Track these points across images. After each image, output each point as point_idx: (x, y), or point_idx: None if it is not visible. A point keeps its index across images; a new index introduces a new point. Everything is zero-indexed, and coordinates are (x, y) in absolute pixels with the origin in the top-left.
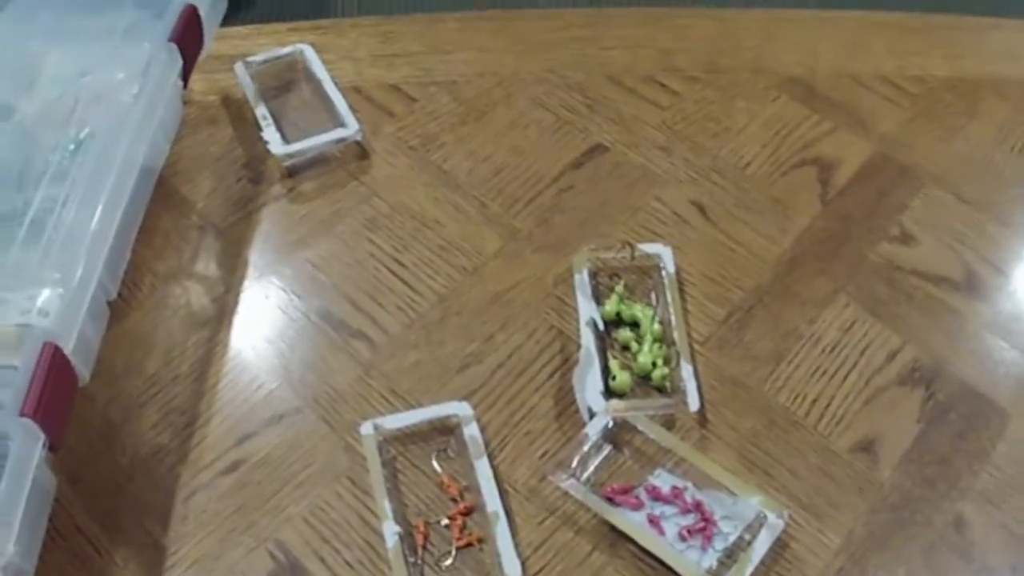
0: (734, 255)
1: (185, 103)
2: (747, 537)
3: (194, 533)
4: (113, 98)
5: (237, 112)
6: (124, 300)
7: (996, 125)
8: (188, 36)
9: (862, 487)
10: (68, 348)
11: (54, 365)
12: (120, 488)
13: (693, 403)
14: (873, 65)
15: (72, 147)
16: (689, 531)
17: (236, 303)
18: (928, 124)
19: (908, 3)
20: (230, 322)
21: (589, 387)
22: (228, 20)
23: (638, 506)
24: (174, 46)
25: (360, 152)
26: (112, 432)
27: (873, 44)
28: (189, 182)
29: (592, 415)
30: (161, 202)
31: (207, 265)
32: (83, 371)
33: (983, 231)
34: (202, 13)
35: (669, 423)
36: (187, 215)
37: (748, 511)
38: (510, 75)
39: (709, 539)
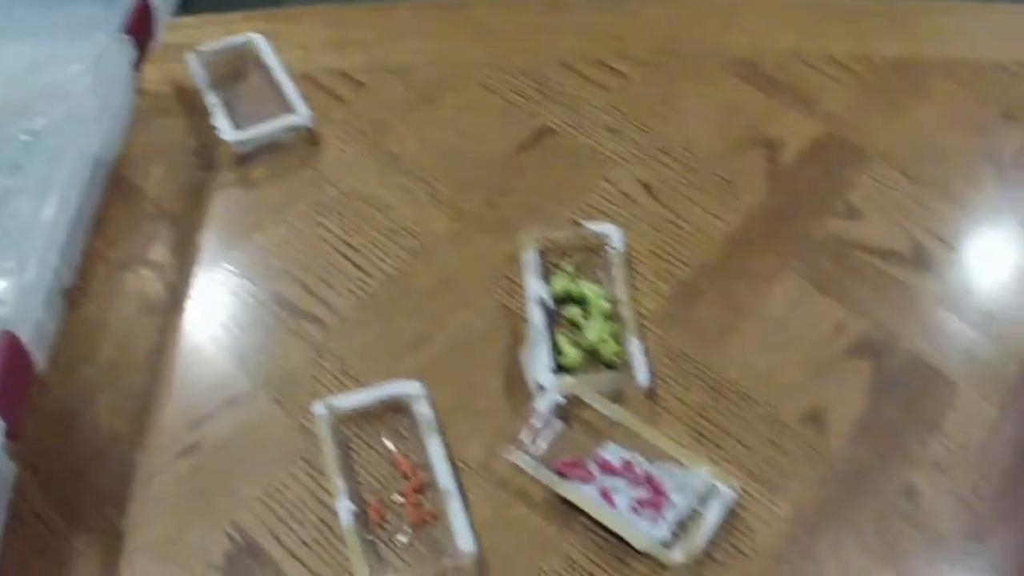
0: (682, 233)
1: (137, 93)
2: (698, 508)
3: (152, 517)
4: (67, 90)
5: (189, 101)
6: (78, 289)
7: (945, 105)
8: (141, 27)
9: (812, 458)
10: (25, 337)
11: (11, 354)
12: (78, 475)
13: (642, 377)
14: (821, 46)
15: (26, 139)
16: (640, 503)
17: (189, 289)
18: (876, 104)
19: None
20: (183, 308)
21: (538, 364)
22: (180, 10)
23: (589, 479)
24: (128, 37)
25: (311, 138)
26: (69, 420)
27: (823, 26)
28: (141, 171)
29: (541, 391)
30: (114, 191)
31: (160, 252)
32: (40, 359)
33: (931, 207)
34: (154, 4)
35: (619, 398)
36: (140, 203)
37: (699, 483)
38: (460, 61)
39: (660, 511)
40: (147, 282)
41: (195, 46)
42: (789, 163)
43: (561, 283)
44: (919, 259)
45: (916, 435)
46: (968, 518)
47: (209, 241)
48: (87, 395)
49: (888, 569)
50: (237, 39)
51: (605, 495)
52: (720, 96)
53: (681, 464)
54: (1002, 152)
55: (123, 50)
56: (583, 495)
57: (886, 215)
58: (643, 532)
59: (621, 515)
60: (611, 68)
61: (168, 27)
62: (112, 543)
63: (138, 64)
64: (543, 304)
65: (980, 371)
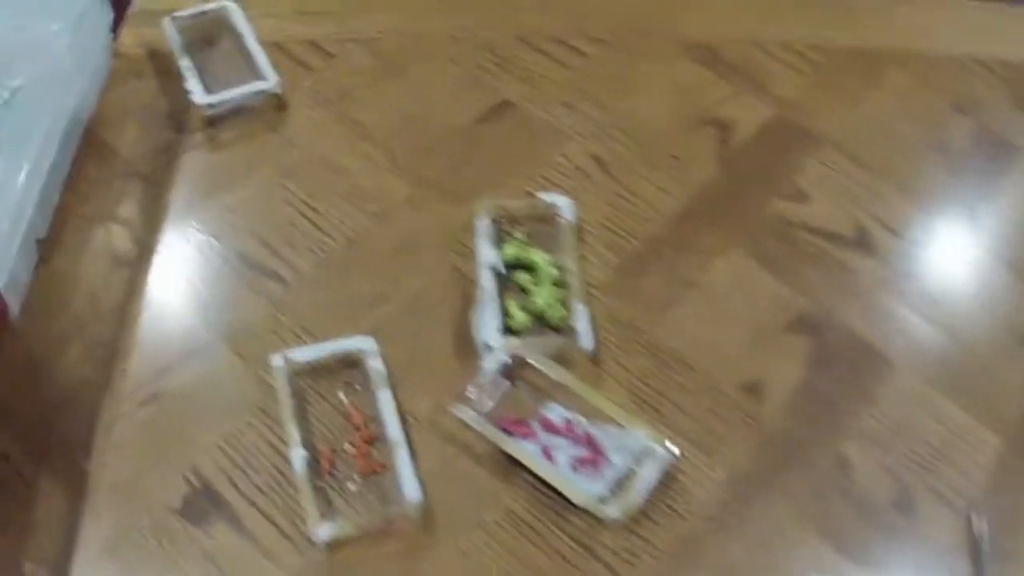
0: (632, 207)
1: (113, 56)
2: (636, 469)
3: (115, 460)
4: (46, 49)
5: (162, 65)
6: (50, 242)
7: (896, 95)
8: None
9: (748, 426)
10: (1, 283)
11: None
12: (45, 419)
13: (587, 342)
14: (778, 34)
15: (5, 95)
16: (580, 461)
17: (157, 245)
18: (828, 91)
19: None
20: (151, 263)
21: (487, 325)
22: None
23: (532, 437)
24: (107, 0)
25: (278, 104)
26: (38, 367)
27: (779, 14)
28: (114, 131)
29: (489, 351)
30: (88, 149)
31: (130, 209)
32: (13, 305)
33: (878, 193)
34: None
35: (563, 361)
36: (112, 162)
37: (636, 444)
38: (425, 33)
39: (599, 469)
40: (116, 237)
41: (170, 12)
42: (740, 144)
43: (513, 250)
44: (863, 243)
45: (851, 409)
46: (899, 490)
47: (177, 200)
48: (57, 344)
49: (820, 536)
50: (211, 6)
51: (547, 452)
52: (675, 77)
53: (620, 426)
54: (951, 143)
55: (102, 12)
56: (526, 451)
57: (832, 199)
58: (582, 489)
59: (561, 472)
60: (570, 46)
61: None
62: (76, 484)
63: (116, 26)
64: (494, 269)
65: (917, 351)
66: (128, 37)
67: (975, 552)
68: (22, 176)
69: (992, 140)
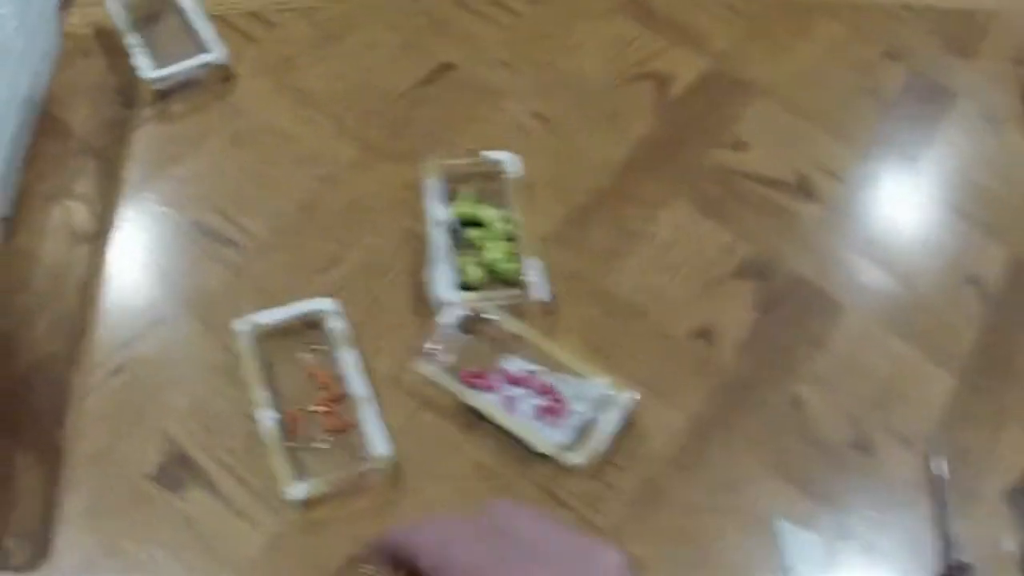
0: (575, 161)
1: (61, 35)
2: (596, 416)
3: (88, 431)
4: None
5: (109, 42)
6: (10, 221)
7: (827, 44)
8: None
9: (703, 371)
10: None
11: None
12: (16, 394)
13: (540, 293)
14: None
15: None
16: (542, 411)
17: (115, 219)
18: (761, 42)
19: None
20: (110, 237)
21: (442, 281)
22: None
23: (494, 388)
24: None
25: (225, 75)
26: (6, 343)
27: None
28: (67, 108)
29: (446, 307)
30: (42, 128)
31: (87, 185)
32: None
33: (814, 139)
34: None
35: (519, 314)
36: (66, 140)
37: (596, 392)
38: (362, 1)
39: (561, 418)
40: (75, 213)
41: None
42: (677, 97)
43: (462, 207)
44: (804, 188)
45: (802, 350)
46: (850, 427)
47: (132, 174)
48: (23, 320)
49: (780, 476)
50: None
51: (508, 403)
52: (610, 33)
53: (579, 375)
54: (884, 89)
55: None
56: (488, 403)
57: (771, 147)
58: (545, 437)
59: (524, 422)
60: (505, 6)
61: None
62: (52, 456)
63: (63, 5)
64: (446, 226)
65: (863, 292)
66: (74, 16)
67: (935, 489)
68: None
69: (925, 85)
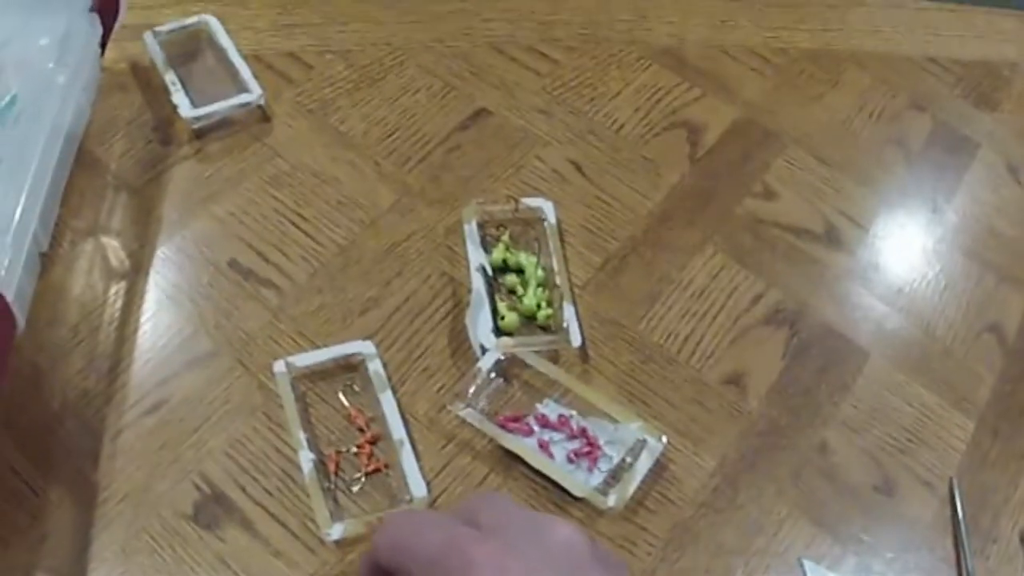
0: (609, 209)
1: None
2: (629, 459)
3: (123, 469)
4: (36, 64)
5: (145, 78)
6: (46, 256)
7: (856, 94)
8: (107, 5)
9: (733, 416)
10: (9, 297)
11: None
12: (51, 430)
13: (575, 339)
14: (740, 38)
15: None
16: (576, 454)
17: (151, 257)
18: (791, 92)
19: None
20: (146, 274)
21: (481, 326)
22: None
23: (529, 432)
24: (95, 15)
25: (262, 116)
26: (41, 378)
27: (740, 19)
28: (103, 144)
29: (484, 351)
30: (77, 163)
31: (122, 222)
32: (20, 319)
33: (841, 189)
34: None
35: (554, 359)
36: (102, 175)
37: (629, 436)
38: (401, 44)
39: (595, 461)
40: (110, 250)
41: (149, 26)
42: (709, 145)
43: (499, 253)
44: (831, 237)
45: (828, 397)
46: (876, 471)
47: (168, 211)
48: (57, 355)
49: (807, 518)
50: (191, 20)
51: (543, 447)
52: (643, 82)
53: (613, 419)
54: (910, 140)
55: (92, 27)
56: (524, 446)
57: (800, 196)
58: (579, 480)
59: (559, 465)
60: (541, 53)
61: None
62: (86, 494)
63: (104, 40)
64: (484, 272)
65: (887, 339)
66: (110, 52)
67: (955, 530)
68: (25, 191)
69: (949, 135)
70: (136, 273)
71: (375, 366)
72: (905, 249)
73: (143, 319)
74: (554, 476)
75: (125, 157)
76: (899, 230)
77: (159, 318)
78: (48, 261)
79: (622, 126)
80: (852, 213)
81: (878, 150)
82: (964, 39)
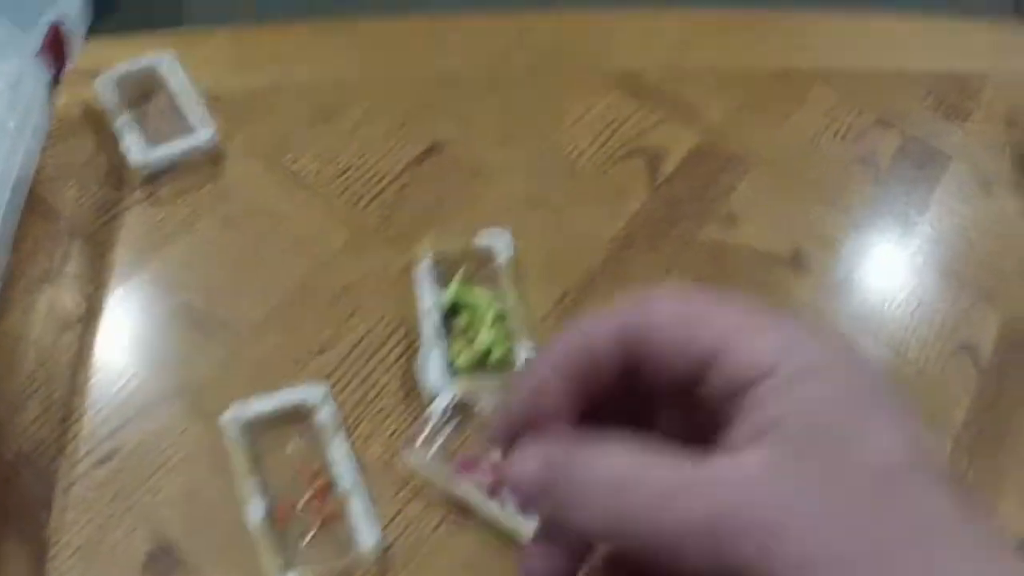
0: (568, 240)
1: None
2: None
3: (75, 521)
4: None
5: (98, 123)
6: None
7: (821, 112)
8: (54, 51)
9: None
10: None
11: None
12: (7, 481)
13: None
14: (702, 60)
15: None
16: None
17: (104, 302)
18: (754, 114)
19: (733, 1)
20: (99, 321)
21: (432, 367)
22: (91, 30)
23: (483, 475)
24: (42, 60)
25: (215, 157)
26: None
27: (701, 40)
28: (55, 190)
29: (436, 393)
30: (28, 209)
31: (76, 268)
32: None
33: (808, 211)
34: (67, 28)
35: None
36: (55, 221)
37: None
38: (355, 80)
39: None
40: (64, 297)
41: (103, 68)
42: (669, 172)
43: (453, 291)
44: (798, 261)
45: None
46: None
47: (121, 256)
48: (14, 404)
49: None
50: (144, 60)
51: (498, 491)
52: (602, 108)
53: None
54: (879, 156)
55: (40, 71)
56: (478, 492)
57: (765, 220)
58: (533, 523)
59: (513, 510)
60: (497, 84)
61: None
62: (38, 548)
63: (54, 84)
64: (437, 312)
65: None
66: (64, 97)
67: None
68: None
69: (920, 149)
70: (90, 319)
71: (327, 412)
72: (875, 269)
73: (97, 366)
74: (506, 523)
75: (78, 203)
76: (870, 249)
77: (112, 365)
78: (3, 308)
79: (581, 154)
80: (820, 235)
81: (846, 169)
82: (932, 50)
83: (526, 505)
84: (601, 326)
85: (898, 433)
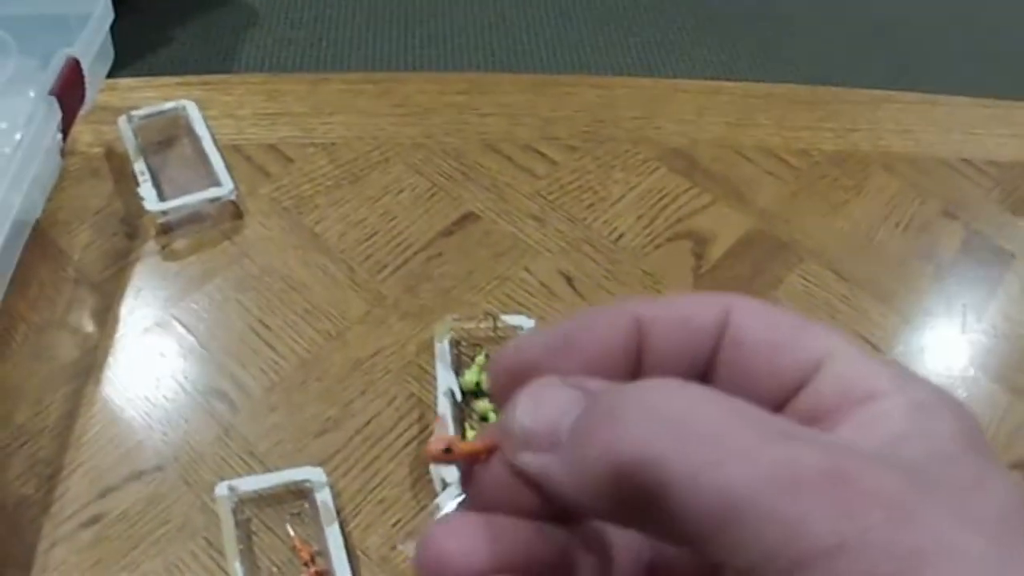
0: None
1: (68, 154)
2: None
3: None
4: None
5: (119, 165)
6: None
7: (882, 201)
8: (69, 89)
9: None
10: None
11: None
12: None
13: None
14: (757, 138)
15: None
16: None
17: (105, 358)
18: (810, 199)
19: (802, 76)
20: (99, 377)
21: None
22: (117, 71)
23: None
24: (54, 99)
25: (235, 211)
26: None
27: (758, 116)
28: (67, 234)
29: (445, 486)
30: (38, 252)
31: (80, 318)
32: None
33: (860, 307)
34: (85, 66)
35: None
36: (63, 267)
37: None
38: (388, 139)
39: None
40: (64, 347)
41: (128, 109)
42: (715, 258)
43: (473, 375)
44: None
45: None
46: None
47: (128, 310)
48: (0, 457)
49: None
50: (169, 105)
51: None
52: (649, 186)
53: None
54: (940, 251)
55: (49, 112)
56: None
57: (814, 315)
58: None
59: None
60: (539, 152)
61: (107, 88)
62: None
63: (66, 127)
64: (452, 396)
65: None
66: (86, 135)
67: None
68: None
69: (982, 245)
70: (88, 374)
71: (324, 496)
72: (927, 374)
73: (89, 425)
74: None
75: (89, 249)
76: (922, 353)
77: (106, 425)
78: None
79: (622, 235)
80: (870, 334)
81: (903, 263)
82: (1001, 138)
83: (535, 460)
84: (659, 312)
85: (1008, 479)
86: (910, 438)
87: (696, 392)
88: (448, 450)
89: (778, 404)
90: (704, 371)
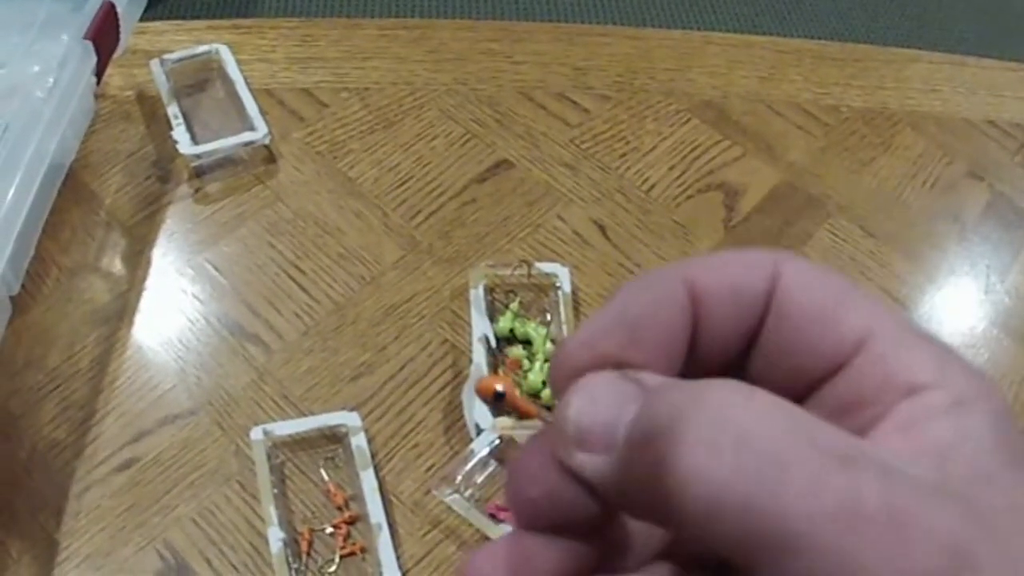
0: (633, 277)
1: (100, 97)
2: None
3: (86, 528)
4: (27, 92)
5: (151, 109)
6: (28, 293)
7: (909, 159)
8: (104, 33)
9: None
10: None
11: None
12: (17, 481)
13: None
14: (788, 92)
15: None
16: None
17: (138, 301)
18: (839, 155)
19: (826, 32)
20: (131, 320)
21: (478, 403)
22: (148, 15)
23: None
24: (89, 43)
25: (268, 156)
26: (11, 425)
27: (789, 71)
28: (99, 177)
29: (479, 431)
30: (70, 196)
31: (112, 261)
32: None
33: (887, 264)
34: (120, 10)
35: None
36: (95, 210)
37: None
38: (422, 85)
39: None
40: (97, 291)
41: (160, 53)
42: (746, 211)
43: (507, 322)
44: None
45: None
46: None
47: (160, 254)
48: (31, 402)
49: None
50: (202, 48)
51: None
52: (680, 137)
53: None
54: (965, 212)
55: (85, 56)
56: None
57: (841, 269)
58: None
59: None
60: (572, 101)
61: (136, 31)
62: (46, 551)
63: (99, 71)
64: (487, 343)
65: None
66: (117, 78)
67: None
68: None
69: (1007, 208)
70: (121, 318)
71: (359, 440)
72: (950, 332)
73: (122, 369)
74: None
75: (121, 192)
76: (945, 312)
77: (139, 369)
78: (29, 299)
79: (653, 186)
80: (895, 291)
81: (929, 222)
82: None
83: (591, 463)
84: (711, 279)
85: None
86: (954, 450)
87: (759, 404)
88: (501, 395)
89: (817, 382)
90: (749, 342)
